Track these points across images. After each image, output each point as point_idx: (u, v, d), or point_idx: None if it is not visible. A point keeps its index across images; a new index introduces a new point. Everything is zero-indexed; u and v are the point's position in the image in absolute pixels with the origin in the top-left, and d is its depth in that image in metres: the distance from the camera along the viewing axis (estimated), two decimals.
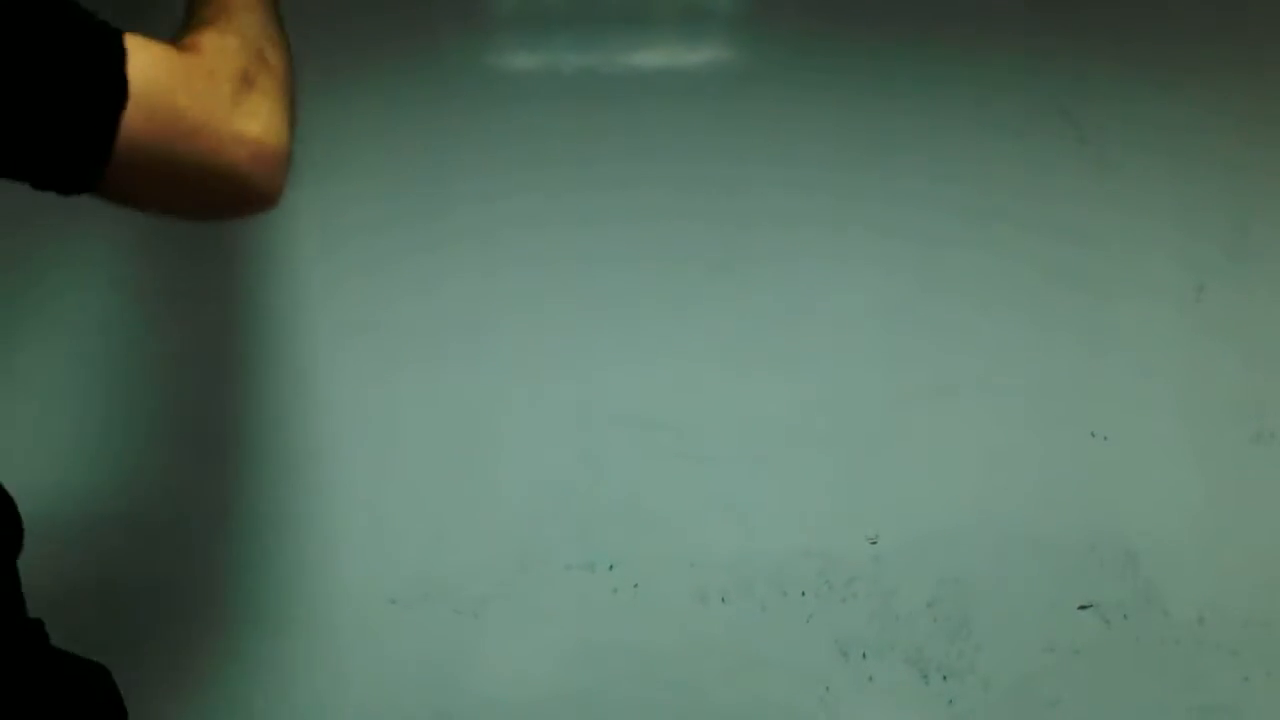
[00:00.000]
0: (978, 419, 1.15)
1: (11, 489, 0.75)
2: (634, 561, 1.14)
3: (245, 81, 0.71)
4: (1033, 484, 1.15)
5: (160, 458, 1.12)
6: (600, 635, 1.14)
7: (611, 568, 1.14)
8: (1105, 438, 1.15)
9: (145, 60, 0.66)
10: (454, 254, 1.13)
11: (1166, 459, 1.16)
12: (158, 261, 1.12)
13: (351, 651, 1.13)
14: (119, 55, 0.65)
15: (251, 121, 0.70)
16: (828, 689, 1.15)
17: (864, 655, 1.15)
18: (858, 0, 1.13)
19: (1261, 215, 1.16)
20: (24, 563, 0.75)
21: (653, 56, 1.14)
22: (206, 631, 1.13)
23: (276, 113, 0.73)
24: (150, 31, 0.68)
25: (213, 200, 0.73)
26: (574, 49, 1.13)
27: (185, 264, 1.12)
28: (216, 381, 1.13)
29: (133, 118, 0.65)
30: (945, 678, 1.15)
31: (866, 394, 1.14)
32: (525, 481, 1.13)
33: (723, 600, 1.14)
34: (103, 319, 1.11)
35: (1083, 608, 1.15)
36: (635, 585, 1.14)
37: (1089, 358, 1.15)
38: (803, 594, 1.15)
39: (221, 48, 0.71)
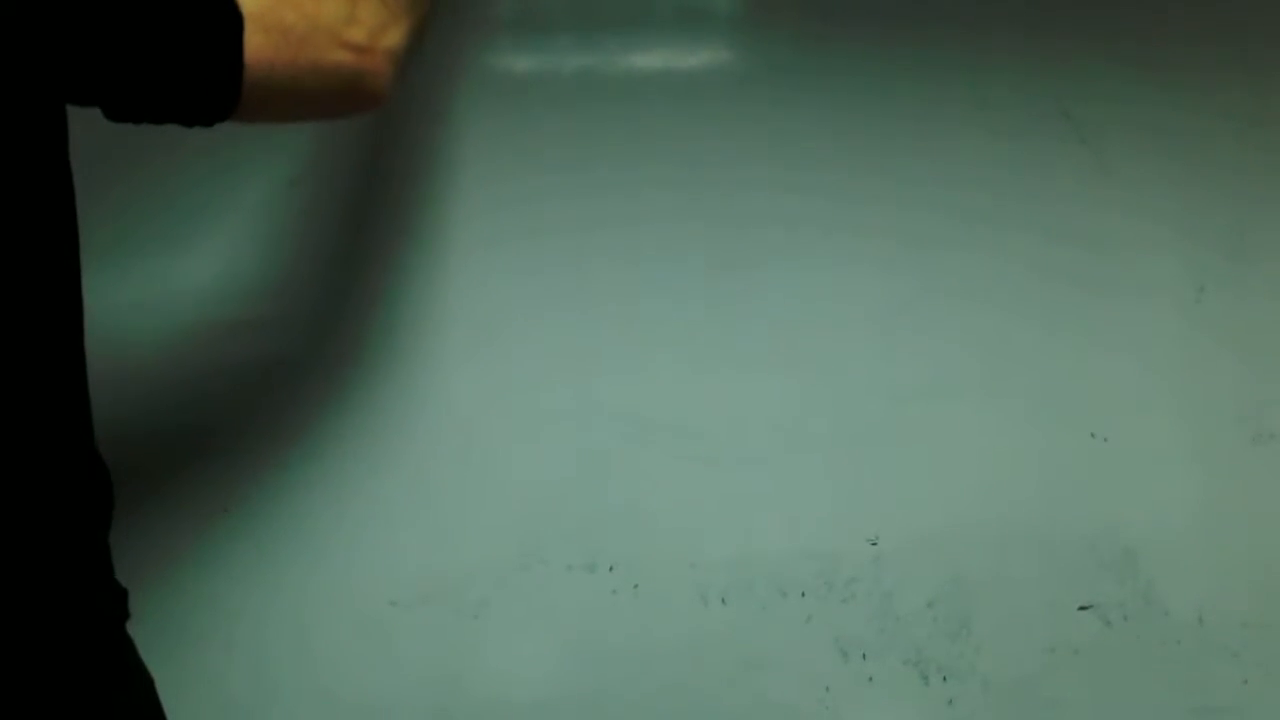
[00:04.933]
0: (978, 419, 1.15)
1: None
2: (634, 562, 1.14)
3: None
4: (1033, 484, 1.15)
5: (149, 467, 1.12)
6: (600, 636, 1.14)
7: (612, 568, 1.14)
8: (1105, 438, 1.15)
9: None
10: (453, 255, 1.13)
11: (1166, 459, 1.16)
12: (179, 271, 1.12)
13: (351, 652, 1.13)
14: None
15: (357, 29, 0.76)
16: (828, 689, 1.15)
17: (864, 656, 1.15)
18: (857, 2, 1.14)
19: (1261, 217, 1.17)
20: None
21: (652, 58, 1.14)
22: (203, 632, 1.13)
23: (385, 19, 0.78)
24: None
25: (328, 104, 0.79)
26: (574, 51, 1.14)
27: (186, 270, 1.12)
28: (213, 384, 1.13)
29: (250, 41, 0.71)
30: (945, 678, 1.15)
31: (867, 394, 1.15)
32: (525, 481, 1.13)
33: (723, 601, 1.14)
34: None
35: (1083, 608, 1.15)
36: (635, 586, 1.14)
37: (1089, 358, 1.15)
38: (803, 594, 1.15)
39: None
